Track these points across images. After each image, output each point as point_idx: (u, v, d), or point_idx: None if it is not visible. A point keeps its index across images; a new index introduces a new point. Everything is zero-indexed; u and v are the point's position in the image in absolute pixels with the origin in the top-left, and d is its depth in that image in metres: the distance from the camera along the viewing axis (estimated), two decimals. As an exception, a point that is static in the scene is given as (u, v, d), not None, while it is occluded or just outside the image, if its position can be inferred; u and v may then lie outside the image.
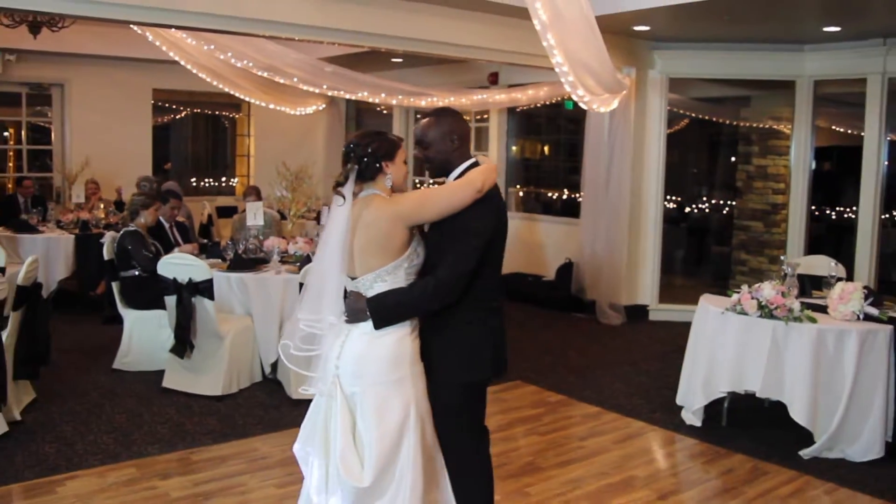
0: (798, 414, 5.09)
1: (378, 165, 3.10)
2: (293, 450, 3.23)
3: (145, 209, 6.87)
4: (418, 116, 12.73)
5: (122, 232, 6.83)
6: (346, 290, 3.14)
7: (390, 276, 3.07)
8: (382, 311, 3.04)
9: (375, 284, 3.07)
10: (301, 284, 5.69)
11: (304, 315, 3.12)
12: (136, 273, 6.57)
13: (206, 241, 7.81)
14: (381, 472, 2.99)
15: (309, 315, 3.11)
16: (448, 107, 3.44)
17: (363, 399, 3.03)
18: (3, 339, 5.05)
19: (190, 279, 5.85)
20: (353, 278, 3.11)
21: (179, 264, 5.95)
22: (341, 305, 3.10)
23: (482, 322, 3.23)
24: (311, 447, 3.15)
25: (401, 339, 3.09)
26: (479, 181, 3.09)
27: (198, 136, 14.62)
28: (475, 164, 3.25)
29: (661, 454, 5.38)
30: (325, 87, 10.02)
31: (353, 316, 3.07)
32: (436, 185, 3.39)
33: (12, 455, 4.80)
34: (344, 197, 3.06)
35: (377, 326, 3.05)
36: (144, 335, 6.58)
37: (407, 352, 3.10)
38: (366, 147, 3.09)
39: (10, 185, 11.86)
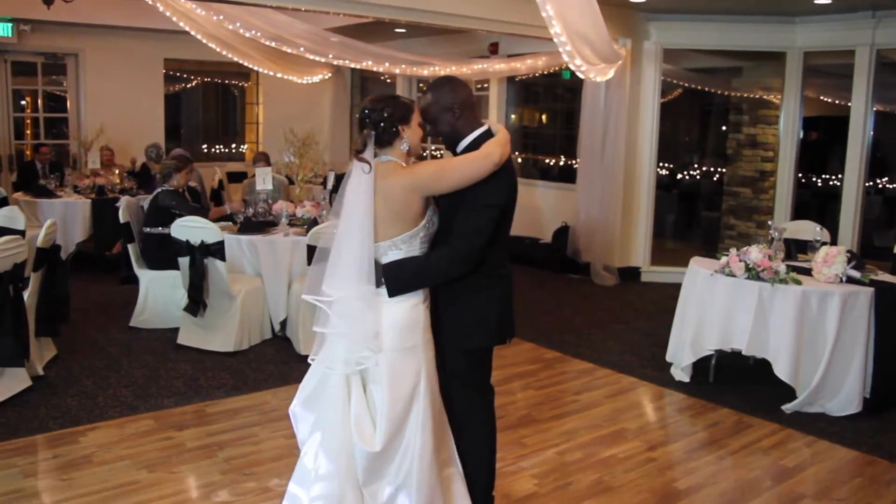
0: (781, 371, 5.24)
1: (395, 130, 3.04)
2: (290, 410, 3.21)
3: (178, 172, 6.94)
4: (420, 85, 12.81)
5: (160, 191, 6.89)
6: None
7: (405, 245, 3.04)
8: (398, 279, 3.02)
9: (390, 252, 3.04)
10: (309, 247, 5.88)
11: (341, 291, 2.99)
12: (168, 231, 6.59)
13: (245, 199, 7.89)
14: (391, 437, 3.00)
15: (341, 289, 2.98)
16: (446, 76, 3.33)
17: (377, 365, 3.02)
18: (25, 298, 5.16)
19: (202, 241, 5.98)
20: None
21: (192, 227, 6.07)
22: (375, 274, 3.01)
23: (490, 289, 3.26)
24: (313, 413, 3.14)
25: (414, 306, 3.07)
26: (497, 154, 3.05)
27: (208, 104, 14.64)
28: (487, 132, 3.20)
29: (651, 408, 5.55)
30: (330, 56, 10.00)
31: None
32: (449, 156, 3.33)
33: (36, 407, 4.96)
34: (369, 164, 2.99)
35: (391, 294, 3.01)
36: (159, 294, 6.72)
37: (420, 319, 3.09)
38: (381, 112, 3.02)
39: (28, 152, 11.87)
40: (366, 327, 2.99)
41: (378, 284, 3.01)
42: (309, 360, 3.13)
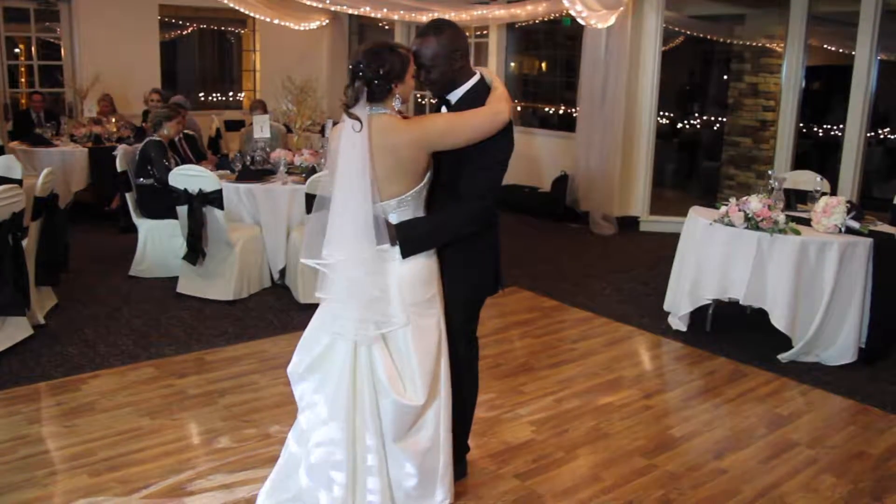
0: (778, 320, 5.26)
1: (389, 87, 2.89)
2: (290, 372, 3.17)
3: (168, 121, 6.91)
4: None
5: (147, 141, 6.88)
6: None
7: (413, 201, 2.98)
8: (413, 240, 2.98)
9: (400, 209, 2.97)
10: (308, 195, 5.88)
11: (340, 254, 2.91)
12: (153, 182, 6.66)
13: (225, 153, 7.88)
14: (430, 390, 3.02)
15: (341, 252, 2.90)
16: (444, 19, 3.18)
17: (405, 325, 2.99)
18: (24, 247, 5.17)
19: (200, 190, 5.98)
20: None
21: (190, 175, 6.06)
22: (376, 235, 2.90)
23: (486, 239, 3.25)
24: (320, 386, 3.09)
25: (428, 257, 3.06)
26: (507, 112, 3.02)
27: (204, 51, 14.50)
28: (481, 81, 3.14)
29: (648, 356, 5.60)
30: (328, 1, 9.92)
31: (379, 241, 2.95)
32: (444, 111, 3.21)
33: (38, 356, 5.00)
34: (360, 121, 2.84)
35: (406, 255, 2.96)
36: (158, 244, 6.73)
37: (435, 270, 3.09)
38: (377, 69, 2.84)
39: (23, 101, 11.76)
40: (367, 292, 2.91)
41: (392, 243, 2.95)
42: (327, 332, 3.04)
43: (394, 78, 2.89)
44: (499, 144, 3.05)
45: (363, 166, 2.84)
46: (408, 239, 2.97)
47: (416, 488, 3.12)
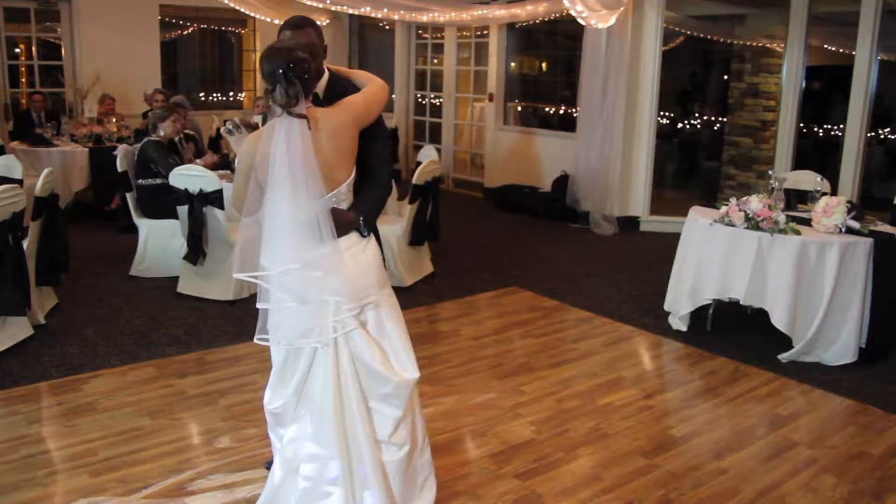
0: (779, 320, 5.25)
1: (312, 85, 2.95)
2: (272, 409, 3.04)
3: (162, 122, 6.93)
4: (420, 32, 12.66)
5: (144, 141, 6.89)
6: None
7: (349, 188, 3.01)
8: (370, 216, 3.11)
9: (348, 196, 3.00)
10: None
11: (294, 262, 2.83)
12: (157, 182, 6.63)
13: (226, 153, 7.86)
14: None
15: (293, 260, 2.83)
16: (306, 17, 3.36)
17: (378, 307, 3.02)
18: (24, 247, 5.18)
19: (200, 190, 5.98)
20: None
21: (190, 175, 6.06)
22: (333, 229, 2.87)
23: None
24: (303, 404, 3.03)
25: (376, 242, 3.15)
26: (385, 83, 3.25)
27: (205, 51, 14.51)
28: (334, 73, 3.29)
29: (648, 356, 5.59)
30: (328, 1, 9.91)
31: (342, 230, 2.94)
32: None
33: (39, 356, 5.00)
34: (308, 119, 2.81)
35: (370, 228, 3.08)
36: (158, 244, 6.72)
37: (381, 252, 3.19)
38: (307, 69, 2.86)
39: (24, 101, 11.75)
40: (336, 286, 2.89)
41: (354, 227, 3.00)
42: (277, 344, 3.00)
43: (317, 75, 3.02)
44: (382, 116, 3.24)
45: (310, 165, 2.79)
46: (369, 216, 3.10)
47: (406, 472, 3.14)
